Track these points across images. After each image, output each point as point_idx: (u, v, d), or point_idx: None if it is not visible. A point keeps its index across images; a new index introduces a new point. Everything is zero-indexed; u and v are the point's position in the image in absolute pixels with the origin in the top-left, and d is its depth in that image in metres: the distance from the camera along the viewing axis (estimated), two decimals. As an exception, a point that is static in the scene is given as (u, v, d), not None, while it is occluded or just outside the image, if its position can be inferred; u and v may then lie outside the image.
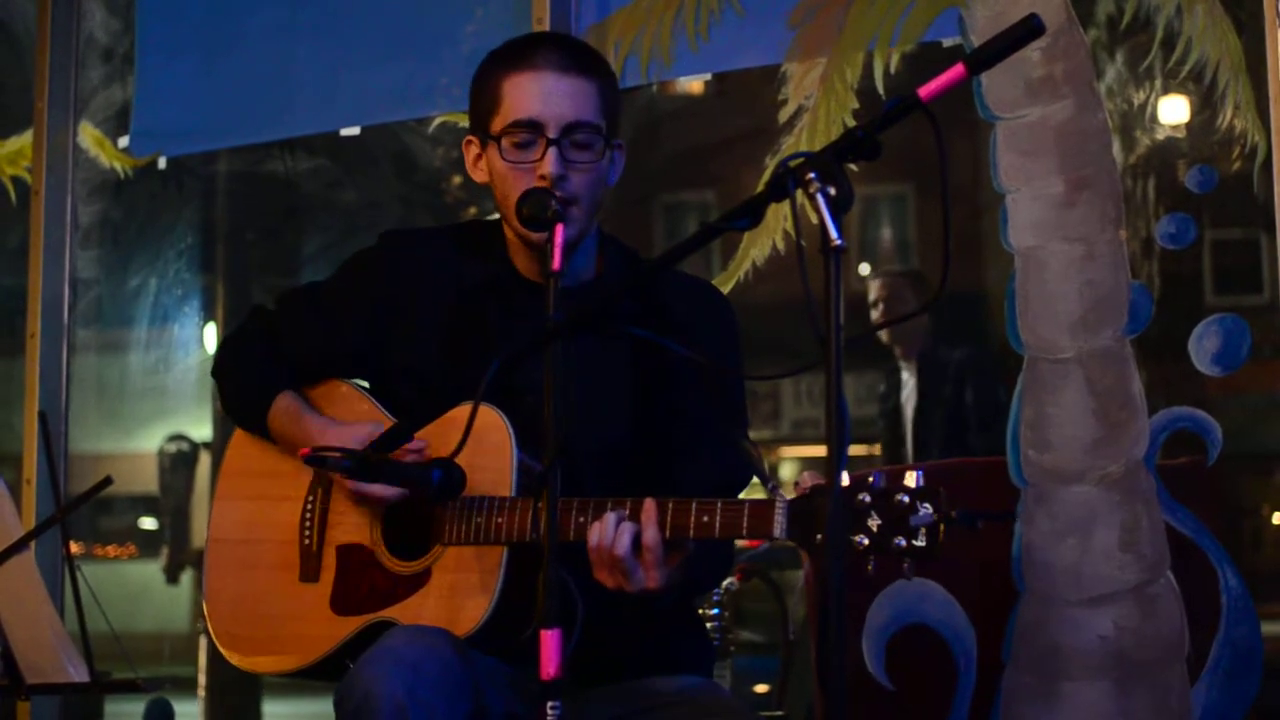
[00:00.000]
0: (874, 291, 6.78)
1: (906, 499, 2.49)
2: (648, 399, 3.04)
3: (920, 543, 2.48)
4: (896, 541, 2.49)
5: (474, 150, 3.12)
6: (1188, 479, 3.84)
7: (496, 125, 3.02)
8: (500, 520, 2.86)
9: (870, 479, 2.53)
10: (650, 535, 2.70)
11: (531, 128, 2.98)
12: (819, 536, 2.59)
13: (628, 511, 2.74)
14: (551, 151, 2.96)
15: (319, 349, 3.19)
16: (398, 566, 3.00)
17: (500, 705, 2.82)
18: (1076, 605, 3.86)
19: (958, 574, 3.96)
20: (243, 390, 3.23)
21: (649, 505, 2.72)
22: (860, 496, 2.51)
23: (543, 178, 2.94)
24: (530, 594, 2.72)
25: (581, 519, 2.78)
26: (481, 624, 2.84)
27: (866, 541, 2.50)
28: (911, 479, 2.50)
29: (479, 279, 3.11)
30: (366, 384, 3.21)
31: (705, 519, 2.71)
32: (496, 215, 3.16)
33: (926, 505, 2.48)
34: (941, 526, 2.48)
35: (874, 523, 2.50)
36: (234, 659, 3.17)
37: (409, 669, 2.68)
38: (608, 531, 2.72)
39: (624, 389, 3.05)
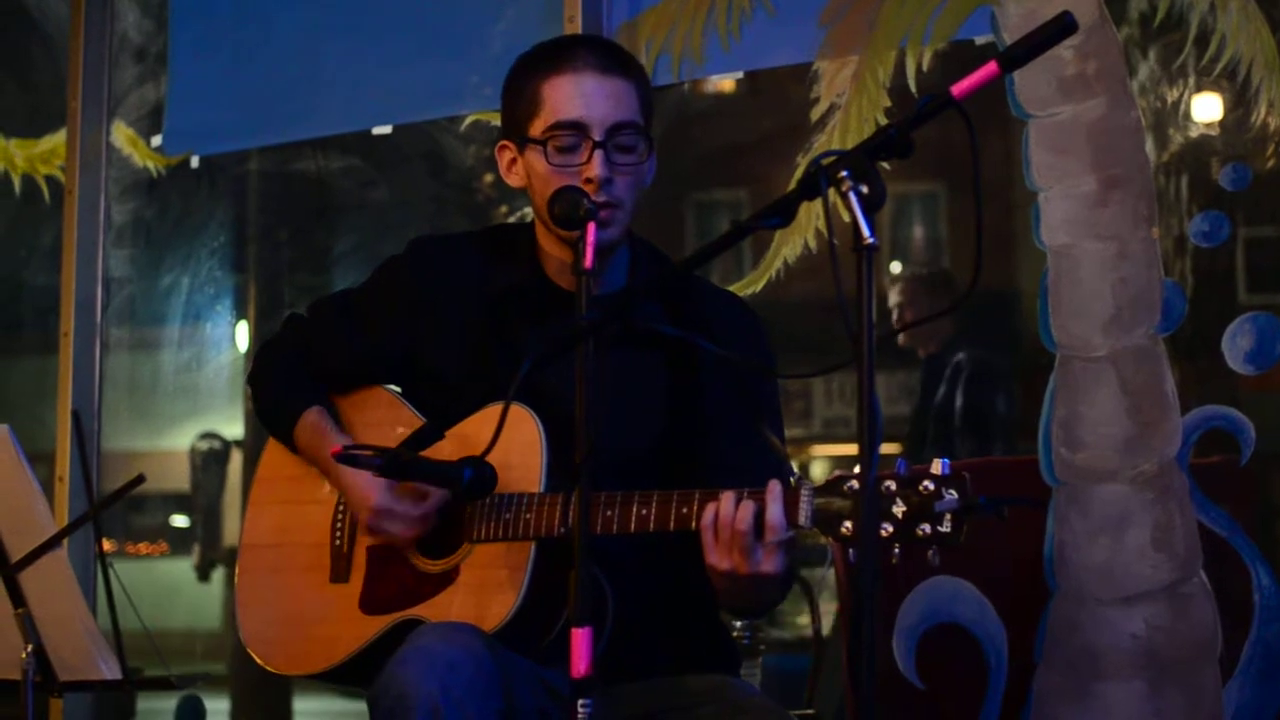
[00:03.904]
0: (894, 296, 6.76)
1: (931, 486, 2.48)
2: (679, 409, 3.03)
3: (945, 529, 2.47)
4: (921, 528, 2.48)
5: (508, 155, 3.10)
6: (1220, 478, 3.82)
7: (537, 128, 3.00)
8: (529, 516, 2.86)
9: (895, 467, 2.52)
10: (774, 514, 2.64)
11: (576, 129, 2.96)
12: (845, 524, 2.59)
13: (747, 491, 2.69)
14: (598, 154, 2.94)
15: (351, 356, 3.20)
16: (426, 565, 3.00)
17: (530, 702, 2.82)
18: (1109, 605, 3.85)
19: (989, 573, 3.96)
20: (272, 403, 3.25)
21: (774, 485, 2.66)
22: (885, 485, 2.50)
23: (589, 181, 2.93)
24: (558, 590, 2.73)
25: (609, 512, 2.77)
26: (508, 619, 2.84)
27: (891, 529, 2.49)
28: (937, 466, 2.50)
29: (508, 285, 3.10)
30: (399, 390, 3.22)
31: None
32: (528, 219, 3.16)
33: (951, 491, 2.47)
34: (967, 513, 2.47)
35: (899, 510, 2.50)
36: (265, 663, 3.18)
37: (444, 668, 2.68)
38: (727, 508, 2.68)
39: (656, 399, 3.03)
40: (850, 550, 2.62)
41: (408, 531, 2.99)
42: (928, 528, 2.48)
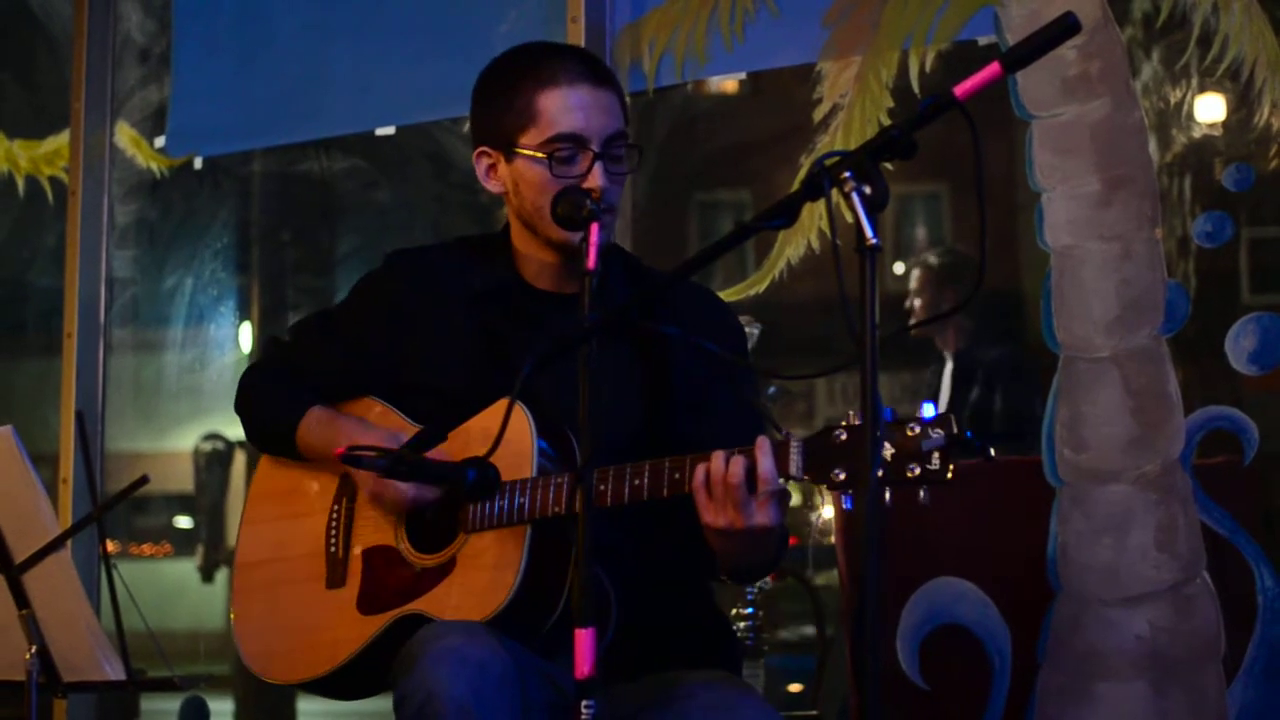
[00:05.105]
0: (912, 282, 6.73)
1: (917, 428, 2.50)
2: (655, 393, 3.06)
3: (933, 466, 2.49)
4: (910, 468, 2.50)
5: (487, 162, 3.13)
6: (1224, 478, 3.83)
7: (532, 140, 3.03)
8: (523, 500, 2.89)
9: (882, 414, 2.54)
10: (765, 466, 2.68)
11: (576, 142, 3.00)
12: (837, 472, 2.61)
13: (737, 449, 2.72)
14: (599, 166, 3.00)
15: (338, 371, 3.23)
16: (422, 560, 3.01)
17: (540, 697, 2.84)
18: (1112, 605, 3.85)
19: (992, 573, 3.96)
20: (268, 413, 3.27)
21: (762, 440, 2.70)
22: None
23: (590, 191, 2.96)
24: (555, 576, 2.76)
25: (603, 487, 2.80)
26: (506, 604, 2.85)
27: (880, 472, 2.50)
28: (924, 409, 2.52)
29: (487, 288, 3.14)
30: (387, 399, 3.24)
31: None
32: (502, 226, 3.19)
33: (938, 431, 2.50)
34: (954, 450, 2.49)
35: (887, 452, 2.51)
36: (268, 676, 3.22)
37: (475, 669, 2.69)
38: (718, 465, 2.71)
39: (633, 387, 3.06)
40: (844, 498, 2.63)
41: (408, 490, 3.00)
42: (916, 468, 2.50)
